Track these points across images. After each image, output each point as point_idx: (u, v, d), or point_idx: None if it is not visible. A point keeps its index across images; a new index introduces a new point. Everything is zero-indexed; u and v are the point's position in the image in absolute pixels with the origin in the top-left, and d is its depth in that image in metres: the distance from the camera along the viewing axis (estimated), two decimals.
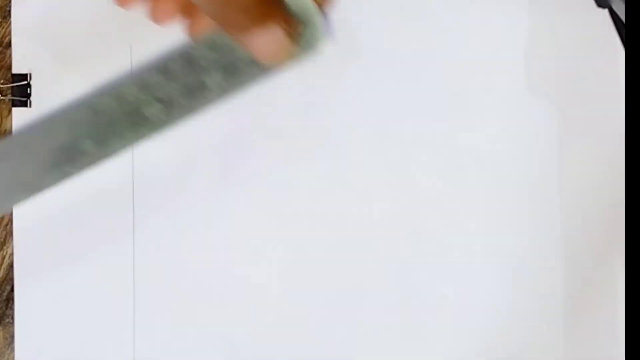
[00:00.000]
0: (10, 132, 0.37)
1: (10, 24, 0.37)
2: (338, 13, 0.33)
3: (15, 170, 0.25)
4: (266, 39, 0.24)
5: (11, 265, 0.38)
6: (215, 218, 0.36)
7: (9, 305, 0.38)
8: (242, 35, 0.23)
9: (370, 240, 0.36)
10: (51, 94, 0.37)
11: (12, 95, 0.37)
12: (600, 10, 0.33)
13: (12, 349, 0.38)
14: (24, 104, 0.37)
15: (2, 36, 0.37)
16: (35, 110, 0.37)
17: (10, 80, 0.37)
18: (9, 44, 0.37)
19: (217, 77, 0.24)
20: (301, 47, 0.24)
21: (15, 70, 0.37)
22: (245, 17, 0.23)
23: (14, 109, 0.37)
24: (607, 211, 0.35)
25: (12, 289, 0.38)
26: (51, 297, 0.37)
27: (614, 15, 0.33)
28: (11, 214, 0.37)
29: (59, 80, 0.37)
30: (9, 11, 0.37)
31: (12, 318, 0.38)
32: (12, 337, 0.38)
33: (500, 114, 0.35)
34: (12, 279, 0.38)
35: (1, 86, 0.37)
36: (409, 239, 0.36)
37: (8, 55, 0.37)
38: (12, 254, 0.38)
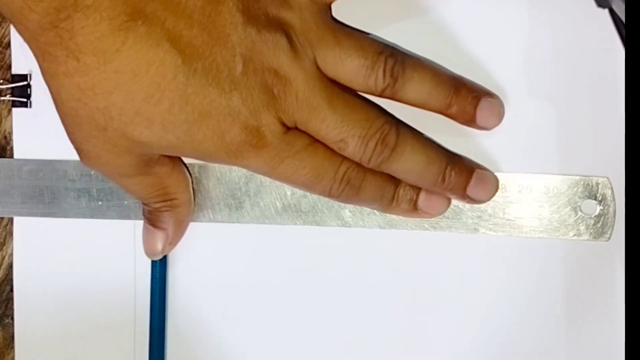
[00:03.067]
0: (10, 132, 0.37)
1: (9, 24, 0.37)
2: (338, 13, 0.33)
3: None
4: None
5: (11, 265, 0.38)
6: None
7: (9, 305, 0.38)
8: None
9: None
10: None
11: (12, 96, 0.37)
12: (600, 10, 0.33)
13: (12, 349, 0.38)
14: (24, 104, 0.37)
15: (2, 36, 0.37)
16: (35, 111, 0.37)
17: (10, 80, 0.37)
18: (9, 44, 0.37)
19: None
20: None
21: (15, 70, 0.37)
22: None
23: (14, 110, 0.37)
24: None
25: (11, 289, 0.38)
26: (51, 297, 0.37)
27: (614, 15, 0.33)
28: None
29: None
30: None
31: (12, 318, 0.38)
32: (12, 337, 0.38)
33: None
34: (12, 279, 0.38)
35: (1, 87, 0.37)
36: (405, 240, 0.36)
37: (7, 55, 0.37)
38: (12, 254, 0.38)
